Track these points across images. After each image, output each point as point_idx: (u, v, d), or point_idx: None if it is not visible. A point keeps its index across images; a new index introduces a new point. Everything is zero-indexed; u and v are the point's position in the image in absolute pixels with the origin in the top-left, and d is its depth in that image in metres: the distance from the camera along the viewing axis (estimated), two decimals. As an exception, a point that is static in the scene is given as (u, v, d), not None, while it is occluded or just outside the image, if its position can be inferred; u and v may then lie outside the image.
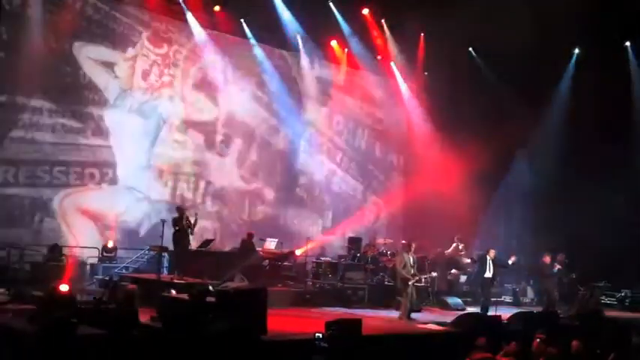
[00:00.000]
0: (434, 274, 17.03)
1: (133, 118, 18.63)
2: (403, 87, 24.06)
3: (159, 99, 19.15)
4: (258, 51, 21.07)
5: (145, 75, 18.91)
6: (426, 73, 24.13)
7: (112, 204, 18.08)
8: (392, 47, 22.81)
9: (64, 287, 9.80)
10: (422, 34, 22.70)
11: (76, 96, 17.64)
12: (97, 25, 17.91)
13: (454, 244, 19.87)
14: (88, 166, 17.82)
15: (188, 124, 19.80)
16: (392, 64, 23.52)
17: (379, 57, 23.34)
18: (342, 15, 21.18)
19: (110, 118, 18.15)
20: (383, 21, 22.06)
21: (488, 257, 16.42)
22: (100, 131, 17.97)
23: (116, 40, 18.29)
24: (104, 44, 18.08)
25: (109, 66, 18.21)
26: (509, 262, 17.72)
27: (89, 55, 17.78)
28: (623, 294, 19.27)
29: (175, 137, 19.55)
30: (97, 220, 17.81)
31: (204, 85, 20.14)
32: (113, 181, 18.20)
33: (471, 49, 22.52)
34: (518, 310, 15.70)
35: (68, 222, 17.27)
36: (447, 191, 21.53)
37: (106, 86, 18.14)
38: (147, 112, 18.88)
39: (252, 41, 20.80)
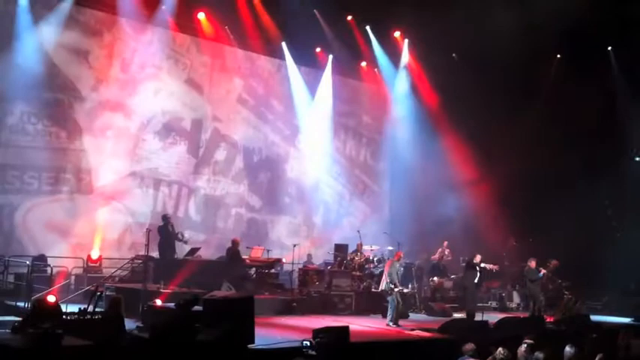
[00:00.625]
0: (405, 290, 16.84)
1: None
2: (388, 92, 24.19)
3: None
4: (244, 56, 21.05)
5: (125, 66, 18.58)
6: (411, 78, 24.24)
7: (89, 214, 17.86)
8: (377, 53, 22.86)
9: (50, 298, 9.73)
10: (406, 40, 22.85)
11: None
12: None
13: (439, 249, 19.93)
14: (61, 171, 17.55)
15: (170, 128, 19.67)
16: (376, 70, 23.65)
17: (364, 63, 23.42)
18: (326, 21, 21.20)
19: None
20: (367, 27, 22.13)
21: (474, 262, 16.48)
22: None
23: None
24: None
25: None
26: (488, 267, 17.75)
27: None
28: (607, 298, 19.41)
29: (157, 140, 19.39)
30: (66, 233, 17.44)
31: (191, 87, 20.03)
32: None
33: (454, 55, 22.71)
34: (505, 316, 15.75)
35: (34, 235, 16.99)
36: (434, 196, 21.64)
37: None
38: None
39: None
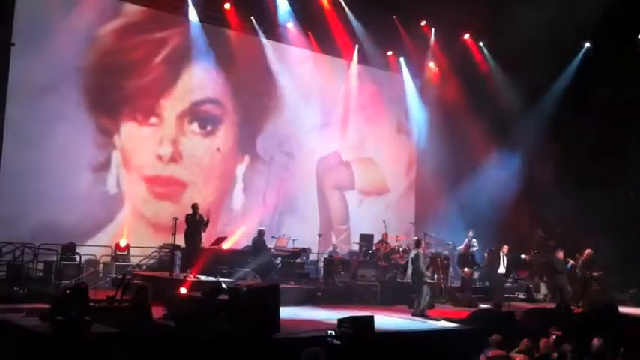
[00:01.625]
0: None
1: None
2: (412, 82, 24.05)
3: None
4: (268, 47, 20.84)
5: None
6: (436, 68, 24.07)
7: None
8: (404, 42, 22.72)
9: (81, 285, 9.88)
10: (432, 30, 22.67)
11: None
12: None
13: (466, 240, 19.80)
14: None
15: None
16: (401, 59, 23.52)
17: (389, 53, 23.27)
18: (352, 11, 21.10)
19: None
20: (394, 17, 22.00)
21: (501, 253, 16.34)
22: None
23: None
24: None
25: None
26: (522, 256, 17.64)
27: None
28: (635, 290, 19.14)
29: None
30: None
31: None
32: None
33: (481, 43, 22.51)
34: (532, 307, 15.62)
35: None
36: (460, 185, 21.50)
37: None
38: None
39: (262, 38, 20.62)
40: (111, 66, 17.69)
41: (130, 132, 18.18)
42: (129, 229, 17.77)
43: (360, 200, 23.19)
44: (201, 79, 19.49)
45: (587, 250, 17.35)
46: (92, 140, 17.54)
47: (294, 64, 21.34)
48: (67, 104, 16.95)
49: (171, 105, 18.91)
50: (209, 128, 19.78)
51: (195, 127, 19.46)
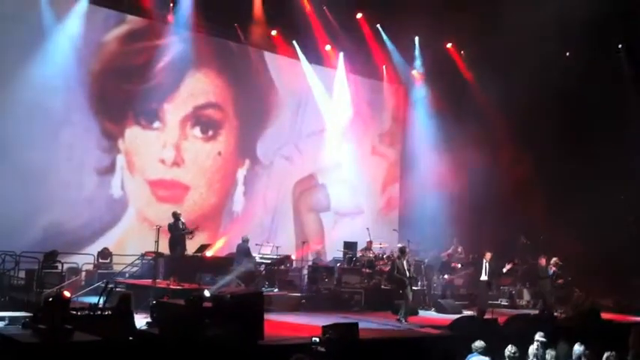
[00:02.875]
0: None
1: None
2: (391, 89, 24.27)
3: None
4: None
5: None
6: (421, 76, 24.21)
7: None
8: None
9: (66, 293, 9.79)
10: (416, 38, 22.76)
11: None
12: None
13: (452, 247, 19.87)
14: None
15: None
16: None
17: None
18: (337, 20, 21.16)
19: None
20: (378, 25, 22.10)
21: (484, 260, 16.43)
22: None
23: None
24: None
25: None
26: (504, 269, 17.72)
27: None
28: (618, 296, 19.27)
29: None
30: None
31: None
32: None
33: (462, 52, 22.71)
34: (516, 313, 15.69)
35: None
36: (446, 193, 21.57)
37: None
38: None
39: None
40: (115, 71, 18.03)
41: (134, 136, 18.49)
42: (132, 231, 18.05)
43: (334, 221, 23.10)
44: (203, 84, 19.88)
45: (554, 259, 17.37)
46: (97, 144, 17.84)
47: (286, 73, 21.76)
48: (72, 108, 17.26)
49: (174, 110, 19.26)
50: (210, 133, 20.09)
51: (197, 131, 19.79)
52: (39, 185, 16.38)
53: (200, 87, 19.85)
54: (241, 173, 20.78)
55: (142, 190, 18.59)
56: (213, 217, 19.89)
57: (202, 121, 19.91)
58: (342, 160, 23.12)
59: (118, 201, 18.17)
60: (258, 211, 20.92)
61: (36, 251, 15.20)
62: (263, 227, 20.65)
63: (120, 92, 18.14)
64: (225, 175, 20.43)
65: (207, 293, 11.58)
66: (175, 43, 18.94)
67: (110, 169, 18.08)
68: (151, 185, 18.75)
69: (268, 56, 21.31)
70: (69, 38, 17.03)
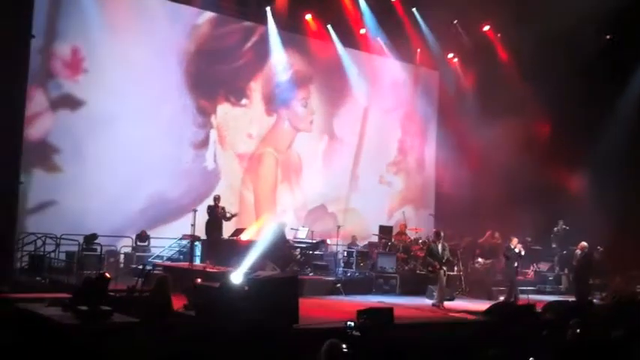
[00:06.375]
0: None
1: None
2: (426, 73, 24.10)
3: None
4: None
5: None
6: (455, 60, 23.91)
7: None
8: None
9: (106, 275, 9.94)
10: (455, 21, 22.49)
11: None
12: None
13: (489, 232, 19.67)
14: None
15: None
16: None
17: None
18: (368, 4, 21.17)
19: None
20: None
21: (511, 245, 16.24)
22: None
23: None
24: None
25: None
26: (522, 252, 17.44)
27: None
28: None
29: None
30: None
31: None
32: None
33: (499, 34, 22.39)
34: (553, 299, 15.51)
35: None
36: (482, 181, 21.34)
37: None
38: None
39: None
40: (208, 51, 19.39)
41: (224, 112, 19.94)
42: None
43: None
44: (283, 64, 20.93)
45: (582, 244, 17.02)
46: (193, 120, 19.21)
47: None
48: (171, 87, 18.54)
49: (259, 87, 20.45)
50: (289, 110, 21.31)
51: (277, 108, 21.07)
52: (141, 158, 17.69)
53: (281, 66, 20.84)
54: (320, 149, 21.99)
55: (232, 164, 20.05)
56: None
57: (282, 98, 20.98)
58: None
59: (211, 172, 19.49)
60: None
61: (76, 233, 15.51)
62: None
63: (212, 71, 19.49)
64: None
65: (242, 277, 11.66)
66: (260, 26, 20.40)
67: (204, 143, 19.42)
68: (239, 158, 20.17)
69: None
70: (167, 21, 18.54)
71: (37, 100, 16.61)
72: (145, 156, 17.76)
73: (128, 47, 17.50)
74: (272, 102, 20.75)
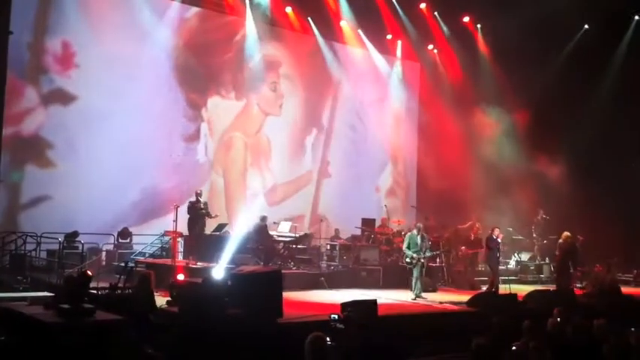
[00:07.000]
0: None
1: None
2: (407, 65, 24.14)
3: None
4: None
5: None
6: (435, 51, 23.96)
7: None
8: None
9: (88, 272, 9.89)
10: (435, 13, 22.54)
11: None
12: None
13: (470, 222, 19.76)
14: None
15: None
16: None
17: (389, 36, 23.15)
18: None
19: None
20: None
21: (494, 236, 16.33)
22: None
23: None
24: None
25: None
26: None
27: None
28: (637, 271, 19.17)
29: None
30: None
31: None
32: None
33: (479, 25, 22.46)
34: (534, 288, 15.63)
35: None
36: (463, 172, 21.41)
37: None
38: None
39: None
40: (198, 45, 19.52)
41: (214, 105, 20.13)
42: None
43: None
44: (272, 56, 21.14)
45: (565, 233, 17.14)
46: (184, 113, 19.40)
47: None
48: (161, 81, 18.61)
49: (248, 80, 20.46)
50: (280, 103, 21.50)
51: (269, 100, 21.28)
52: (135, 152, 17.80)
53: (270, 60, 21.05)
54: (309, 141, 22.27)
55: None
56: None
57: (272, 90, 21.14)
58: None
59: (202, 165, 19.71)
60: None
61: (57, 232, 15.38)
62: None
63: (201, 65, 19.63)
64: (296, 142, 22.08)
65: (224, 272, 11.63)
66: (248, 20, 20.34)
67: (195, 136, 19.54)
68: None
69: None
70: (156, 15, 18.58)
71: (28, 96, 16.58)
72: (137, 150, 17.85)
73: (117, 42, 17.54)
74: (242, 87, 20.69)
